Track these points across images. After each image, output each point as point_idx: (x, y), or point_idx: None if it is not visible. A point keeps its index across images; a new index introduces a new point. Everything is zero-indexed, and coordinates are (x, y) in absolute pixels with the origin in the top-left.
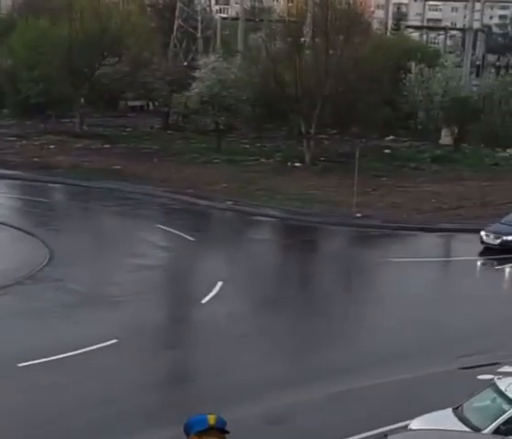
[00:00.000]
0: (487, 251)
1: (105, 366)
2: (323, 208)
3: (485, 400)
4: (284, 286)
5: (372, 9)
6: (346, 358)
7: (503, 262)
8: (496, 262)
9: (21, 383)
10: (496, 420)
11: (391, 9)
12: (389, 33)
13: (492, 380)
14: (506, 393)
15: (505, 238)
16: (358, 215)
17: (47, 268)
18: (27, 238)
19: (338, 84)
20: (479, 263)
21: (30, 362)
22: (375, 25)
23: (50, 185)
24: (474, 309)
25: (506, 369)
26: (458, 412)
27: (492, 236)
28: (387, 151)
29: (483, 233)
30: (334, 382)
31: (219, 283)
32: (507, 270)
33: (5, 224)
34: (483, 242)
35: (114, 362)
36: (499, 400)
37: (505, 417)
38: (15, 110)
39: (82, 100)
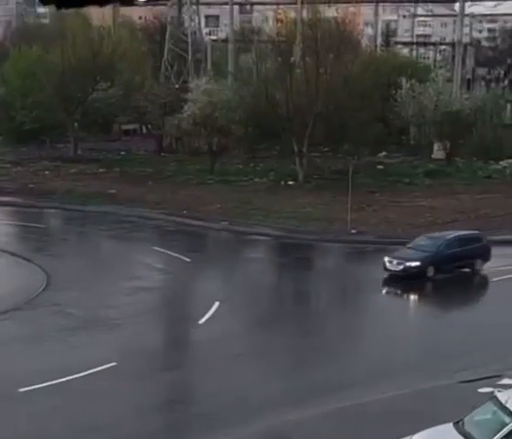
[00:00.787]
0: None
1: (104, 389)
2: (317, 225)
3: (486, 413)
4: (281, 305)
5: (361, 27)
6: (343, 375)
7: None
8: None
9: (22, 408)
10: (497, 433)
11: (380, 26)
12: (378, 50)
13: (492, 393)
14: (507, 406)
15: (408, 264)
16: (353, 231)
17: (44, 293)
18: (24, 263)
19: (329, 102)
20: (479, 276)
21: (31, 387)
22: (364, 42)
23: (46, 210)
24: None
25: (506, 381)
26: (459, 427)
27: (395, 262)
28: (380, 167)
29: (386, 259)
30: (331, 399)
31: (216, 304)
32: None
33: (1, 250)
34: (386, 269)
35: (113, 385)
36: (500, 413)
37: (505, 431)
38: (9, 137)
39: (76, 125)
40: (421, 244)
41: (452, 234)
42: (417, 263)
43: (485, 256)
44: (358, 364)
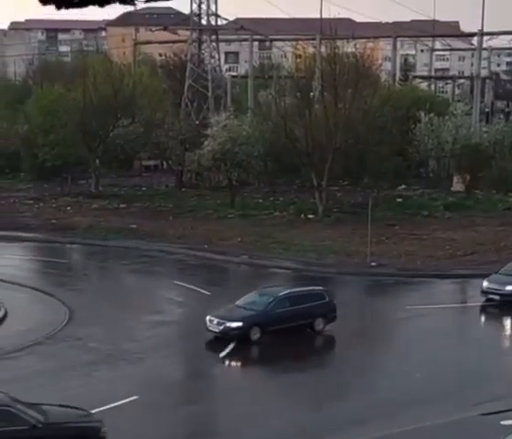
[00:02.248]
0: None
1: (126, 422)
2: (337, 258)
3: None
4: (301, 338)
5: (380, 62)
6: (364, 407)
7: None
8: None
9: None
10: None
11: (399, 61)
12: (397, 84)
13: None
14: None
15: (228, 324)
16: (373, 264)
17: (66, 327)
18: (47, 298)
19: (348, 136)
20: (496, 309)
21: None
22: (383, 76)
23: (68, 245)
24: (488, 353)
25: None
26: None
27: (215, 321)
28: (399, 200)
29: (207, 318)
30: (354, 432)
31: None
32: None
33: (24, 286)
34: (207, 329)
35: (135, 419)
36: None
37: None
38: (32, 173)
39: (97, 161)
40: (250, 301)
41: (286, 290)
42: (238, 324)
43: (328, 315)
44: (377, 399)
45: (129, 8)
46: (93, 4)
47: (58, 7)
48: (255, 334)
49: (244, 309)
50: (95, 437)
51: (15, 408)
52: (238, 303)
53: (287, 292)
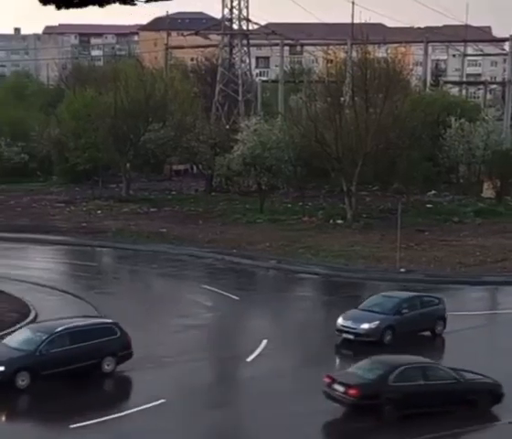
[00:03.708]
0: None
1: (154, 426)
2: (366, 263)
3: None
4: (329, 343)
5: (411, 66)
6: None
7: None
8: None
9: None
10: None
11: (430, 66)
12: (428, 89)
13: None
14: None
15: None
16: (402, 270)
17: None
18: (77, 301)
19: (378, 141)
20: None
21: (81, 423)
22: (414, 81)
23: (98, 249)
24: None
25: None
26: None
27: None
28: (429, 206)
29: None
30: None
31: (264, 342)
32: None
33: (55, 288)
34: None
35: (163, 422)
36: None
37: None
38: (63, 177)
39: (128, 165)
40: (21, 339)
41: (65, 325)
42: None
43: (120, 353)
44: None
45: (160, 12)
46: (93, 4)
47: (58, 7)
48: (23, 380)
49: (12, 349)
50: (498, 393)
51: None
52: (5, 341)
53: (65, 327)
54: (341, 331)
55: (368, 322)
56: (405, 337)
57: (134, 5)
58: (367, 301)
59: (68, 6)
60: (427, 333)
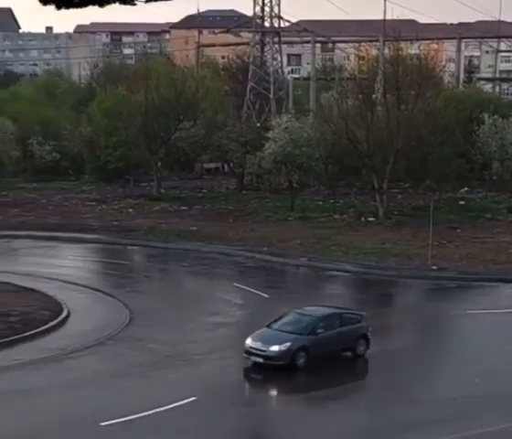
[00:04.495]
0: None
1: (185, 423)
2: (397, 261)
3: None
4: None
5: (443, 63)
6: (425, 412)
7: None
8: None
9: None
10: None
11: (463, 62)
12: (461, 86)
13: None
14: None
15: None
16: (434, 267)
17: (127, 328)
18: (108, 299)
19: (410, 138)
20: None
21: (112, 421)
22: (446, 78)
23: (129, 247)
24: None
25: None
26: None
27: None
28: (461, 202)
29: None
30: (416, 435)
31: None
32: None
33: (86, 287)
34: None
35: (193, 420)
36: None
37: None
38: (94, 175)
39: (159, 163)
40: None
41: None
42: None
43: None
44: (439, 402)
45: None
46: (93, 4)
47: (58, 7)
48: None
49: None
50: None
51: None
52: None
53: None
54: (250, 354)
55: (279, 343)
56: (322, 360)
57: (134, 4)
58: (279, 319)
59: (68, 6)
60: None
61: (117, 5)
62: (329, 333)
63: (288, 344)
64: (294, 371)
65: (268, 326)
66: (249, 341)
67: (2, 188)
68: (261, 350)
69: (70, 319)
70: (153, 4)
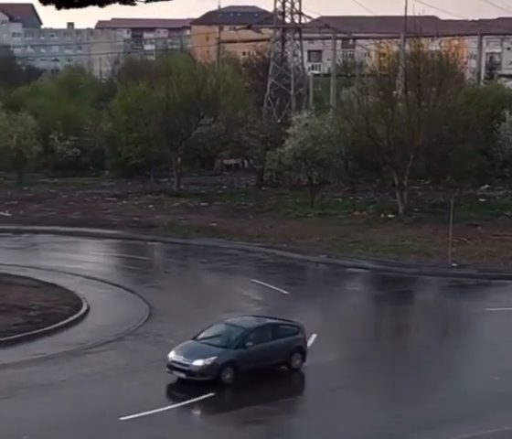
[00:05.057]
0: None
1: (203, 418)
2: (417, 258)
3: None
4: (379, 338)
5: (464, 60)
6: (445, 408)
7: None
8: None
9: (123, 436)
10: None
11: (484, 59)
12: (482, 82)
13: None
14: None
15: None
16: (454, 265)
17: (146, 324)
18: (128, 295)
19: (431, 135)
20: None
21: (131, 416)
22: (467, 75)
23: (149, 243)
24: None
25: None
26: None
27: None
28: (482, 200)
29: None
30: (429, 435)
31: (313, 336)
32: None
33: (106, 282)
34: None
35: (212, 415)
36: None
37: None
38: (115, 171)
39: (179, 160)
40: None
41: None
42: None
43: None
44: (457, 402)
45: (212, 7)
46: (93, 4)
47: (58, 7)
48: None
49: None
50: None
51: None
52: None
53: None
54: (172, 368)
55: (203, 357)
56: (253, 374)
57: (134, 4)
58: (207, 330)
59: (68, 6)
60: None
61: (117, 4)
62: (260, 346)
63: (213, 358)
64: (220, 388)
65: (194, 337)
66: (172, 354)
67: (23, 184)
68: (183, 365)
69: (90, 314)
70: (152, 3)
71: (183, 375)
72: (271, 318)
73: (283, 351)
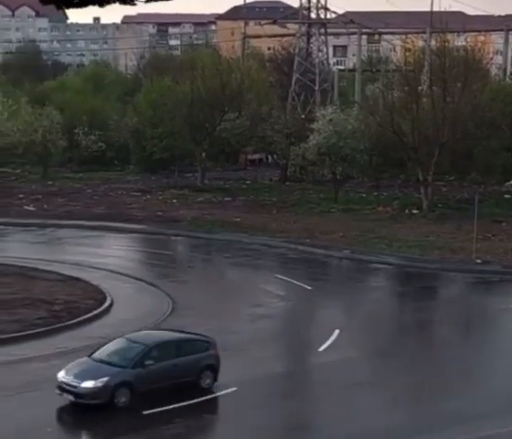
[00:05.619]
0: None
1: (225, 413)
2: (441, 254)
3: None
4: (402, 334)
5: (490, 55)
6: (469, 405)
7: None
8: None
9: (148, 430)
10: None
11: (510, 54)
12: (508, 78)
13: None
14: None
15: None
16: (478, 261)
17: (169, 318)
18: (151, 289)
19: (456, 131)
20: None
21: (153, 410)
22: (493, 71)
23: (173, 238)
24: None
25: None
26: None
27: None
28: (507, 196)
29: None
30: (452, 431)
31: (336, 332)
32: None
33: (130, 276)
34: None
35: (234, 410)
36: None
37: None
38: (140, 165)
39: (204, 154)
40: None
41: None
42: None
43: None
44: (482, 397)
45: (237, 2)
46: (93, 3)
47: (58, 7)
48: None
49: None
50: None
51: None
52: None
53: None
54: (62, 390)
55: (94, 378)
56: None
57: (134, 4)
58: (105, 346)
59: (68, 6)
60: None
61: (117, 4)
62: (162, 364)
63: (105, 379)
64: (112, 412)
65: (90, 355)
66: (61, 374)
67: (48, 178)
68: (72, 386)
69: (113, 308)
70: (152, 3)
71: (72, 397)
72: (179, 333)
73: (190, 369)
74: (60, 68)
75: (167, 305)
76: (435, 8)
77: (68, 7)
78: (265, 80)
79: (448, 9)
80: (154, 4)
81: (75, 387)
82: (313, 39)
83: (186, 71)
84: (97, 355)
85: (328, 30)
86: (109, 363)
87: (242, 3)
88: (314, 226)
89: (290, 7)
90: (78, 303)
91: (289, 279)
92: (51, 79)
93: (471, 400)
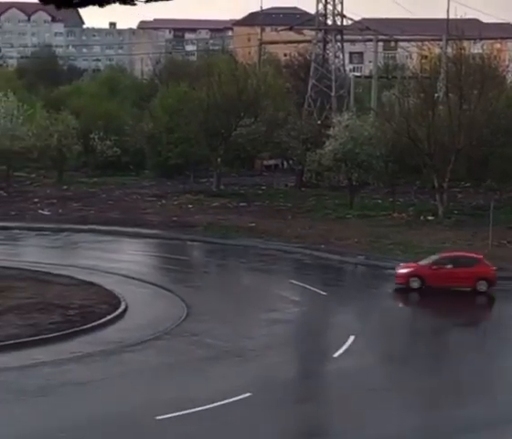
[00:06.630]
0: None
1: (239, 419)
2: None
3: None
4: (417, 341)
5: (507, 63)
6: (486, 413)
7: None
8: None
9: (158, 436)
10: None
11: None
12: None
13: None
14: None
15: None
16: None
17: (184, 323)
18: (166, 294)
19: (472, 138)
20: None
21: (167, 415)
22: (509, 78)
23: (188, 243)
24: None
25: None
26: None
27: None
28: None
29: None
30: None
31: (351, 338)
32: None
33: (145, 281)
34: None
35: (248, 415)
36: None
37: None
38: (155, 171)
39: (219, 160)
40: None
41: None
42: None
43: None
44: (494, 406)
45: (254, 8)
46: (93, 4)
47: (58, 7)
48: None
49: None
50: None
51: None
52: None
53: None
54: None
55: None
56: None
57: (134, 4)
58: None
59: (68, 6)
60: None
61: (117, 4)
62: None
63: None
64: None
65: None
66: None
67: (63, 182)
68: None
69: (128, 313)
70: (152, 3)
71: None
72: None
73: None
74: (76, 73)
75: (182, 310)
76: (451, 16)
77: (68, 7)
78: (281, 86)
79: (464, 17)
80: (167, 9)
81: None
82: (329, 46)
83: (202, 77)
84: None
85: (344, 37)
86: None
87: (259, 9)
88: (329, 232)
89: (306, 14)
90: (92, 307)
91: (304, 284)
92: (67, 83)
93: (485, 406)
